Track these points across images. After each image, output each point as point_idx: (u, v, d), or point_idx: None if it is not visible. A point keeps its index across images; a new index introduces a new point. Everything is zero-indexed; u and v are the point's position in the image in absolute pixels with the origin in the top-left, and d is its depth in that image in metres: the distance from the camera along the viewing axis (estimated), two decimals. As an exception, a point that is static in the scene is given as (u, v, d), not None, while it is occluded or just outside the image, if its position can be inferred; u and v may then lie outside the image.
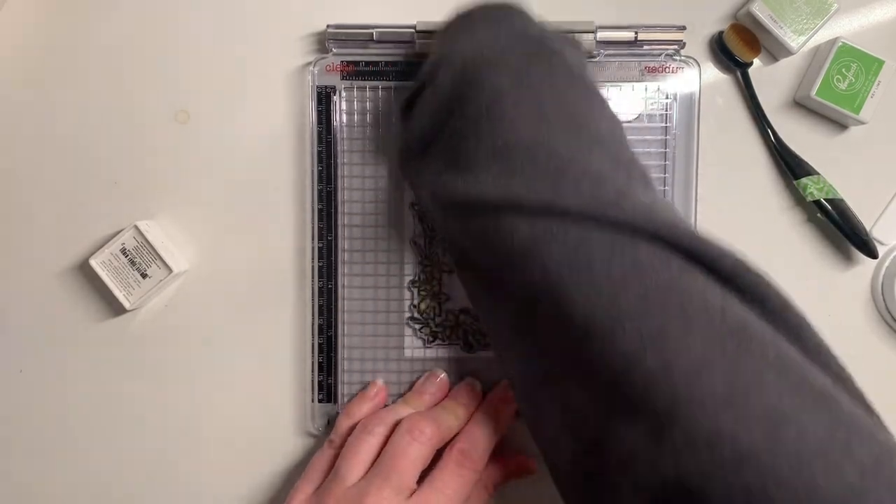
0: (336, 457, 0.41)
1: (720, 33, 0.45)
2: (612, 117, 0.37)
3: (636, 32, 0.44)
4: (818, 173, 0.45)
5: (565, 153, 0.33)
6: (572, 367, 0.31)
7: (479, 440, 0.40)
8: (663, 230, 0.31)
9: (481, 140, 0.34)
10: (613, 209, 0.31)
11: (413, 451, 0.38)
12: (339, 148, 0.45)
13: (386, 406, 0.45)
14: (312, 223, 0.45)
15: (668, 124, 0.45)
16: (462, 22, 0.38)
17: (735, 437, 0.26)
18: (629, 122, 0.45)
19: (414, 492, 0.37)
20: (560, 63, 0.36)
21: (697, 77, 0.45)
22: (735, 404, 0.26)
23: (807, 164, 0.45)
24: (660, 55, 0.45)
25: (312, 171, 0.45)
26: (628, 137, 0.45)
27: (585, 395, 0.30)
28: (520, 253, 0.32)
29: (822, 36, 0.45)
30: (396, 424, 0.40)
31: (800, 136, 0.46)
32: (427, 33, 0.44)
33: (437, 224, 0.41)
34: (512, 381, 0.37)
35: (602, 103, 0.37)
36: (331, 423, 0.45)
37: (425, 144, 0.38)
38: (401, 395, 0.45)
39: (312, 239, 0.45)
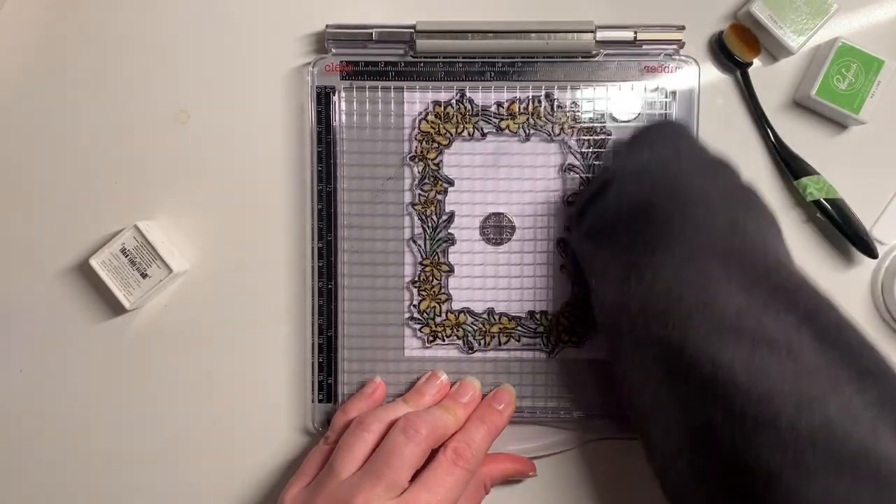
0: (331, 453, 0.41)
1: (720, 33, 0.45)
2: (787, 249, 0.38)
3: (635, 32, 0.44)
4: (818, 173, 0.45)
5: (760, 266, 0.34)
6: None
7: (474, 440, 0.40)
8: (858, 372, 0.31)
9: (671, 244, 0.35)
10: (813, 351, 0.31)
11: (407, 451, 0.38)
12: (338, 148, 0.45)
13: (384, 404, 0.45)
14: (312, 223, 0.45)
15: (667, 124, 0.45)
16: (643, 137, 0.42)
17: None
18: (628, 121, 0.45)
19: (406, 490, 0.37)
20: (746, 188, 0.38)
21: (697, 77, 0.45)
22: None
23: (807, 164, 0.45)
24: (659, 55, 0.45)
25: (312, 171, 0.45)
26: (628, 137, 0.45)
27: None
28: (700, 388, 0.32)
29: (822, 36, 0.45)
30: (392, 422, 0.40)
31: (800, 136, 0.46)
32: (427, 33, 0.44)
33: (608, 335, 0.40)
34: (665, 492, 0.37)
35: (780, 234, 0.38)
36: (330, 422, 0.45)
37: (604, 238, 0.39)
38: (400, 396, 0.45)
39: (312, 239, 0.45)
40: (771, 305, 0.33)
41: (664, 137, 0.41)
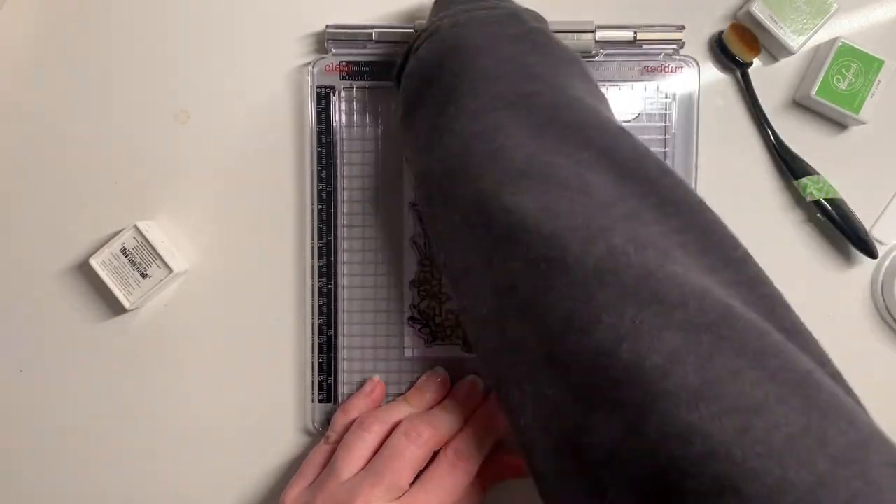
0: (332, 453, 0.41)
1: (720, 33, 0.45)
2: (593, 86, 0.38)
3: (635, 32, 0.44)
4: (818, 173, 0.45)
5: (550, 107, 0.33)
6: (547, 360, 0.30)
7: (474, 441, 0.40)
8: (659, 200, 0.30)
9: (461, 100, 0.34)
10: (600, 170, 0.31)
11: (409, 453, 0.38)
12: (338, 148, 0.45)
13: (384, 403, 0.45)
14: (312, 223, 0.45)
15: (667, 124, 0.45)
16: (440, 2, 0.41)
17: (706, 432, 0.25)
18: (628, 121, 0.45)
19: (406, 491, 0.37)
20: (536, 31, 0.37)
21: (697, 77, 0.45)
22: (707, 398, 0.26)
23: (807, 164, 0.45)
24: (659, 55, 0.45)
25: (312, 171, 0.45)
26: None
27: (560, 389, 0.30)
28: (500, 241, 0.31)
29: (822, 36, 0.45)
30: (394, 423, 0.40)
31: (800, 136, 0.46)
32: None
33: (423, 210, 0.40)
34: (482, 370, 0.36)
35: (580, 71, 0.37)
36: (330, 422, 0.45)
37: (414, 111, 0.38)
38: (400, 395, 0.45)
39: (312, 239, 0.45)
40: (564, 145, 0.32)
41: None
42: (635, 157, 0.32)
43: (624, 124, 0.44)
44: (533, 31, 0.37)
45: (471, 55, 0.35)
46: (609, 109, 0.37)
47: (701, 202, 0.32)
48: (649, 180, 0.31)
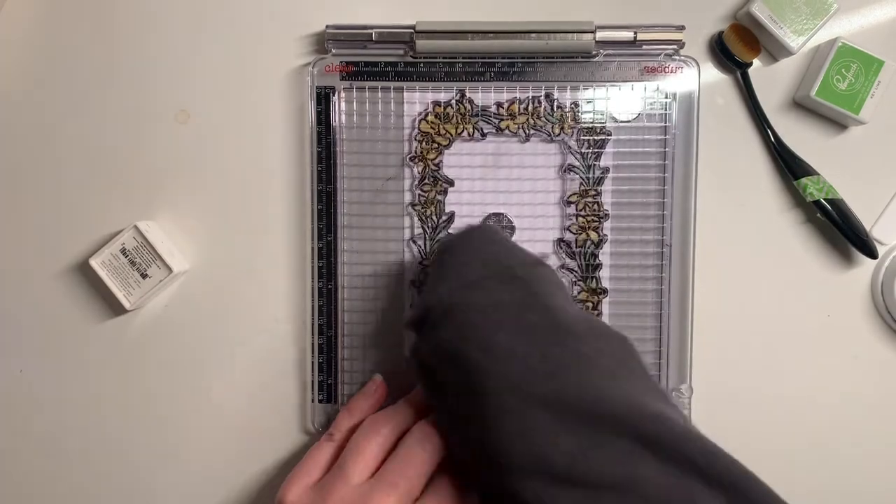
0: (336, 451, 0.40)
1: (720, 33, 0.45)
2: (614, 342, 0.37)
3: (635, 32, 0.44)
4: (818, 173, 0.45)
5: (578, 400, 0.33)
6: None
7: None
8: (707, 481, 0.30)
9: (488, 397, 0.34)
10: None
11: (421, 460, 0.37)
12: (338, 148, 0.45)
13: (386, 403, 0.44)
14: (312, 223, 0.45)
15: (667, 124, 0.45)
16: (443, 258, 0.40)
17: None
18: (628, 121, 0.45)
19: (418, 499, 0.37)
20: (539, 293, 0.37)
21: (697, 77, 0.45)
22: None
23: (807, 164, 0.45)
24: (659, 55, 0.45)
25: (312, 171, 0.45)
26: (628, 138, 0.45)
27: None
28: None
29: (822, 36, 0.45)
30: (405, 426, 0.40)
31: (800, 136, 0.46)
32: (427, 33, 0.44)
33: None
34: None
35: (592, 328, 0.37)
36: (331, 423, 0.45)
37: (430, 386, 0.38)
38: (401, 396, 0.45)
39: (312, 239, 0.45)
40: (600, 438, 0.32)
41: (464, 262, 0.39)
42: (674, 439, 0.32)
43: (624, 124, 0.45)
44: (549, 308, 0.36)
45: (486, 346, 0.35)
46: (633, 369, 0.36)
47: (745, 472, 0.31)
48: (694, 461, 0.31)
